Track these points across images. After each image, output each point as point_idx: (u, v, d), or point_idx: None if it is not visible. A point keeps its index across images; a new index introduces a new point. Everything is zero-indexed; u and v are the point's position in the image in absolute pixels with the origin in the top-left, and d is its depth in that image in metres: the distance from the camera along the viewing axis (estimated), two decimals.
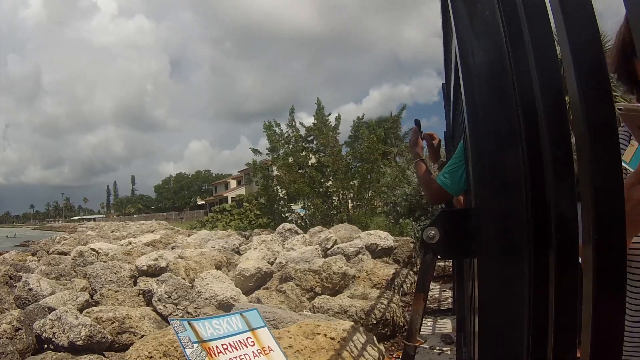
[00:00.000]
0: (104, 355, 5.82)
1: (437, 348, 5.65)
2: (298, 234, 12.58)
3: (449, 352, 5.48)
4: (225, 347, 3.37)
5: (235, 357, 3.37)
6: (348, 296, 6.91)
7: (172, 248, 13.30)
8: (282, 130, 20.45)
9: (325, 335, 4.59)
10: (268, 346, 3.53)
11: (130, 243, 16.36)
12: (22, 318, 6.67)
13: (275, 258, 10.20)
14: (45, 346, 6.32)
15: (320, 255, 9.92)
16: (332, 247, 10.69)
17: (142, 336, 6.13)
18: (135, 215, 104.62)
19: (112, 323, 6.48)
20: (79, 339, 5.88)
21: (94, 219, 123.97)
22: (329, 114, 20.23)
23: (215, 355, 3.29)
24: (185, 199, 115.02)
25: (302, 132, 20.49)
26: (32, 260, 14.65)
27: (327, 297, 6.98)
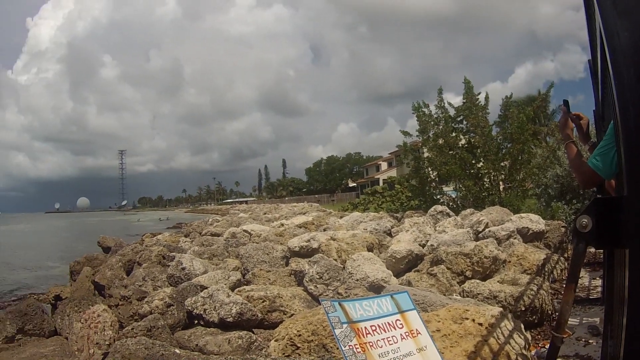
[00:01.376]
0: (252, 332, 6.11)
1: (583, 340, 5.43)
2: (450, 216, 12.38)
3: (595, 344, 5.21)
4: (373, 328, 3.37)
5: (383, 339, 3.36)
6: (498, 281, 6.80)
7: (324, 230, 13.66)
8: (430, 111, 20.33)
9: (473, 320, 4.52)
10: (416, 329, 3.49)
11: (282, 225, 16.99)
12: (174, 295, 7.22)
13: (427, 240, 10.15)
14: (196, 322, 6.78)
15: (472, 239, 9.78)
16: (483, 230, 10.52)
17: (292, 315, 6.35)
18: (287, 198, 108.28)
19: (263, 302, 6.77)
20: (229, 316, 6.23)
21: (246, 202, 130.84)
22: (478, 93, 19.87)
23: (364, 336, 3.30)
24: (336, 181, 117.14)
25: (451, 112, 20.21)
26: (185, 241, 15.77)
27: (477, 281, 6.88)
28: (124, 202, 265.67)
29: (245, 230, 14.81)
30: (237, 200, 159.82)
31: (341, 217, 18.03)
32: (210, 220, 28.72)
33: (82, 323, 6.67)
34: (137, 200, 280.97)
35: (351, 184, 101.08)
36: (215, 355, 5.08)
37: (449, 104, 20.25)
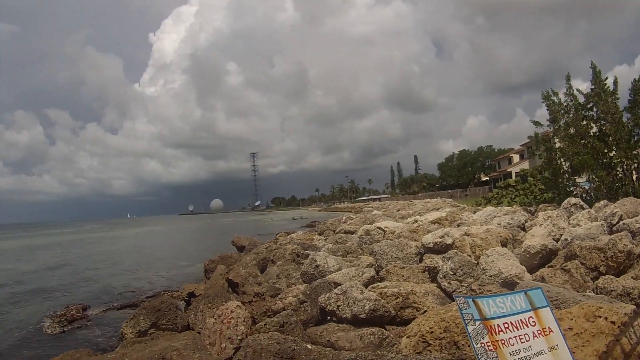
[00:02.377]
0: (384, 328, 6.21)
1: None
2: (583, 208, 11.93)
3: None
4: (506, 325, 3.40)
5: (515, 337, 3.38)
6: (632, 277, 6.62)
7: (458, 225, 13.48)
8: (560, 99, 19.82)
9: (606, 318, 4.39)
10: (549, 327, 3.47)
11: (416, 221, 17.00)
12: (307, 292, 7.41)
13: (561, 234, 9.97)
14: (328, 318, 6.91)
15: (606, 232, 9.50)
16: (617, 222, 10.12)
17: (425, 311, 6.31)
18: (419, 194, 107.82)
19: (396, 298, 6.78)
20: (362, 312, 6.28)
21: (379, 199, 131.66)
22: (606, 78, 18.93)
23: (496, 334, 3.33)
24: (468, 175, 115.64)
25: (580, 99, 19.49)
26: (319, 239, 16.15)
27: (611, 277, 6.67)
28: (257, 203, 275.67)
29: (379, 228, 14.95)
30: (370, 197, 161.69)
31: (474, 212, 17.72)
32: (344, 218, 29.18)
33: (215, 319, 7.06)
34: (270, 200, 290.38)
35: (484, 178, 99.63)
36: (347, 351, 5.20)
37: (578, 90, 19.57)
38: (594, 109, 19.21)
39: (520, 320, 3.43)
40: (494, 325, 3.34)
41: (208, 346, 6.66)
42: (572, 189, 19.80)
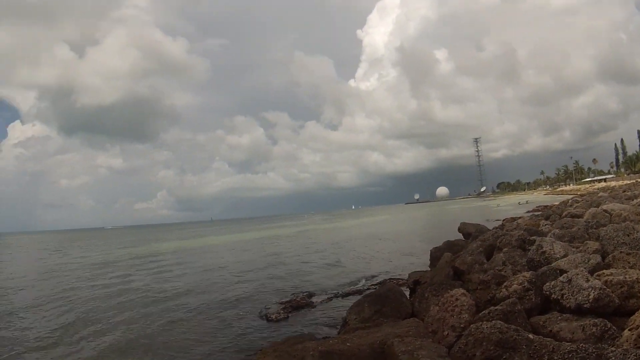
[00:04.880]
0: (607, 319, 5.99)
1: None
2: None
3: None
4: None
5: None
6: None
7: None
8: None
9: None
10: None
11: None
12: (533, 279, 7.33)
13: None
14: (551, 307, 6.86)
15: None
16: None
17: None
18: None
19: (621, 287, 6.51)
20: (586, 302, 6.15)
21: (604, 180, 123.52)
22: None
23: None
24: None
25: None
26: (545, 224, 15.69)
27: None
28: (483, 189, 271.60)
29: (605, 210, 14.23)
30: (595, 178, 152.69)
31: None
32: (569, 201, 28.12)
33: (440, 306, 7.26)
34: (495, 185, 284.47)
35: None
36: (567, 342, 5.12)
37: None
38: None
39: None
40: None
41: (430, 333, 6.87)
42: None
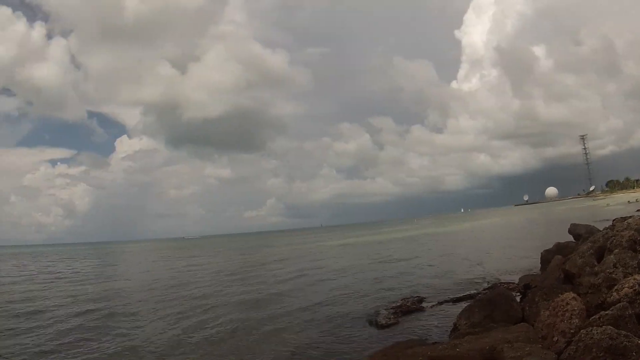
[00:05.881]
0: None
1: None
2: None
3: None
4: None
5: None
6: None
7: None
8: None
9: None
10: None
11: None
12: None
13: None
14: None
15: None
16: None
17: None
18: None
19: None
20: None
21: None
22: None
23: None
24: None
25: None
26: None
27: None
28: (592, 188, 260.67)
29: None
30: None
31: None
32: None
33: (550, 311, 7.25)
34: (604, 183, 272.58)
35: None
36: None
37: None
38: None
39: None
40: None
41: (540, 339, 6.88)
42: None
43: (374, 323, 14.25)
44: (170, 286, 27.40)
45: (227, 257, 57.40)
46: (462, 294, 16.88)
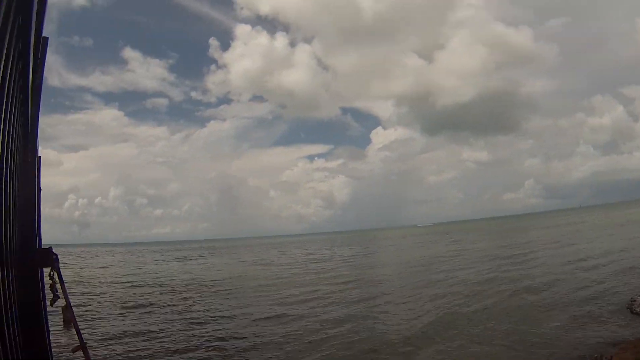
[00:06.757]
0: None
1: None
2: None
3: None
4: None
5: None
6: None
7: None
8: None
9: None
10: None
11: None
12: None
13: None
14: None
15: None
16: None
17: None
18: None
19: None
20: None
21: None
22: None
23: None
24: None
25: None
26: None
27: None
28: None
29: None
30: None
31: None
32: None
33: None
34: None
35: None
36: None
37: None
38: None
39: None
40: None
41: None
42: None
43: (628, 311, 13.86)
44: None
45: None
46: None
